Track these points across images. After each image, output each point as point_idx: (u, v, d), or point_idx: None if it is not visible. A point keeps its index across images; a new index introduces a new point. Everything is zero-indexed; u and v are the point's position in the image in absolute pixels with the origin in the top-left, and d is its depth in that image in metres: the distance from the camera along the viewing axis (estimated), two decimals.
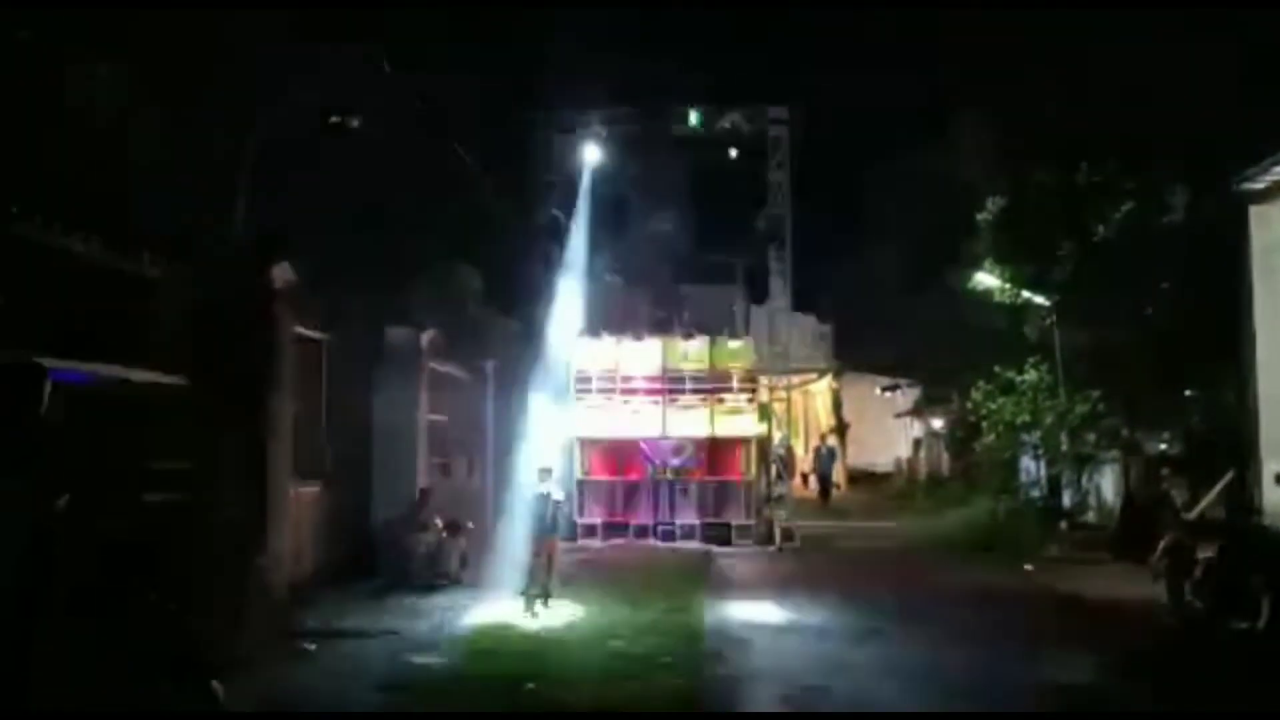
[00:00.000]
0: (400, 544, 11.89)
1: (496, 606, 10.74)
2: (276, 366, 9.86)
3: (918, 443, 29.35)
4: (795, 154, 17.53)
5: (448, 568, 12.06)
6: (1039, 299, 17.30)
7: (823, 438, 26.43)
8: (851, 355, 30.57)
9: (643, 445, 16.84)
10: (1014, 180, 17.49)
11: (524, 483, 16.28)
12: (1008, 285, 17.76)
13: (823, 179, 21.81)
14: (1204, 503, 12.69)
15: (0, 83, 7.38)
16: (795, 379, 21.47)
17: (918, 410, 28.36)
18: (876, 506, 24.64)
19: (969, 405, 18.63)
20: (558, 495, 11.48)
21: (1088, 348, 16.77)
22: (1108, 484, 17.25)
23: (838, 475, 30.24)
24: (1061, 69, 16.97)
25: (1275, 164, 11.68)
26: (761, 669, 8.12)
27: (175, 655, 6.68)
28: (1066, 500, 17.18)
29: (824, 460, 25.01)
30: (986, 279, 18.26)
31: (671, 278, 20.72)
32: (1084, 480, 17.13)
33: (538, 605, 10.44)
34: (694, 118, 17.41)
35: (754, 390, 16.95)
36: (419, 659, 8.34)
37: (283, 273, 9.74)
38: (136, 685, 6.36)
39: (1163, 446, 16.29)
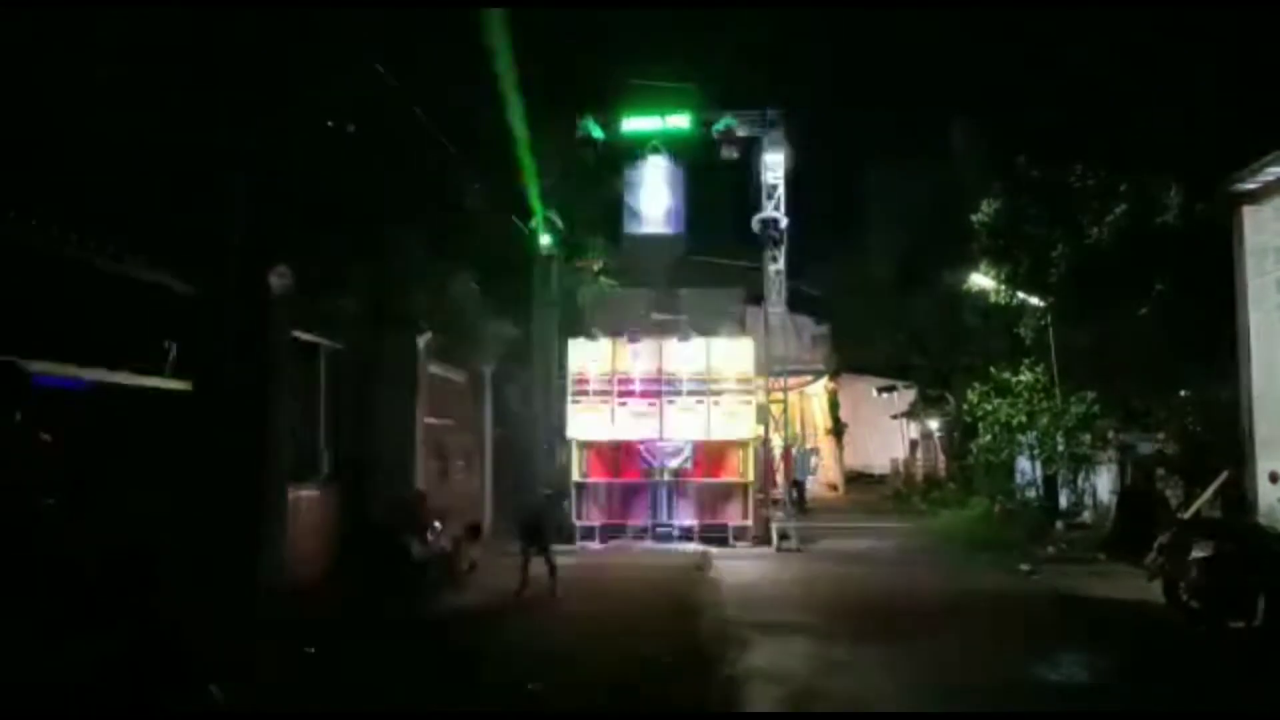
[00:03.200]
0: (399, 546, 11.89)
1: (497, 608, 10.77)
2: (275, 371, 9.88)
3: (914, 444, 29.43)
4: (791, 155, 17.57)
5: (447, 569, 12.07)
6: (1034, 300, 17.37)
7: (795, 438, 24.38)
8: (848, 356, 30.63)
9: (640, 447, 16.86)
10: (1008, 182, 17.56)
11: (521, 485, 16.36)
12: (1003, 286, 17.84)
13: (819, 180, 21.86)
14: (1199, 502, 12.75)
15: None
16: (792, 380, 21.46)
17: (914, 411, 28.42)
18: (873, 507, 24.69)
19: (965, 406, 18.69)
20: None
21: (1083, 348, 16.83)
22: (1103, 484, 17.31)
23: (834, 476, 30.31)
24: (1056, 71, 17.04)
25: (1267, 165, 11.75)
26: (761, 669, 8.15)
27: (174, 659, 6.69)
28: (1062, 500, 17.23)
29: (798, 463, 22.29)
30: (982, 280, 18.34)
31: (668, 280, 20.73)
32: (1080, 480, 17.18)
33: (539, 605, 10.48)
34: (689, 119, 17.46)
35: (751, 392, 16.98)
36: (418, 662, 8.36)
37: (280, 277, 9.77)
38: (135, 689, 6.37)
39: (1158, 446, 16.35)
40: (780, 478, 18.20)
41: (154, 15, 8.77)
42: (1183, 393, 16.02)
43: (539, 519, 11.69)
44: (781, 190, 17.37)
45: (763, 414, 17.37)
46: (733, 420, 16.78)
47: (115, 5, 8.55)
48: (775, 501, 17.42)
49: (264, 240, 9.79)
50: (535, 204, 17.70)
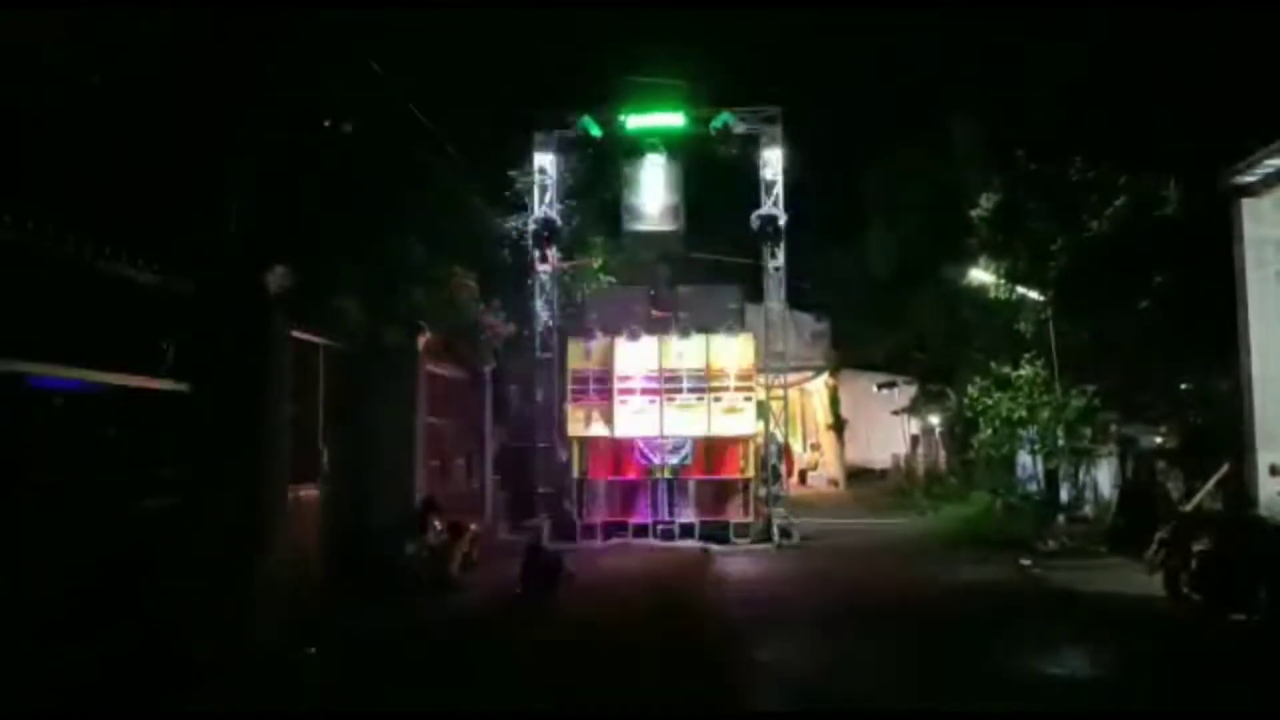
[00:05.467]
0: (401, 547, 11.90)
1: (495, 607, 10.78)
2: (273, 370, 9.86)
3: (915, 439, 29.38)
4: (790, 152, 17.55)
5: (449, 570, 12.07)
6: (1034, 294, 17.35)
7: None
8: (848, 352, 30.60)
9: (640, 445, 16.85)
10: (1008, 176, 17.54)
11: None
12: (1003, 281, 17.82)
13: (818, 176, 21.80)
14: (1200, 495, 12.76)
15: None
16: (792, 377, 21.43)
17: (914, 407, 28.40)
18: (875, 503, 24.66)
19: (966, 401, 18.67)
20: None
21: (1083, 342, 16.82)
22: (1104, 478, 17.29)
23: (835, 472, 30.29)
24: (1054, 64, 17.01)
25: (1266, 157, 11.74)
26: (761, 666, 8.15)
27: (173, 659, 6.69)
28: (1064, 494, 17.21)
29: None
30: (982, 275, 18.32)
31: (667, 277, 20.72)
32: (1081, 474, 17.17)
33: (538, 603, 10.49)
34: (688, 117, 17.43)
35: (751, 388, 16.96)
36: (420, 661, 8.36)
37: (278, 276, 9.75)
38: (135, 689, 6.37)
39: (1159, 440, 16.33)
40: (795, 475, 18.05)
41: (152, 13, 8.76)
42: (1183, 386, 16.01)
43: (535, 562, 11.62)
44: (780, 187, 17.35)
45: (762, 411, 17.34)
46: (733, 417, 16.76)
47: (114, 3, 8.54)
48: (777, 498, 17.41)
49: (262, 239, 9.78)
50: (534, 201, 17.73)
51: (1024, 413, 16.77)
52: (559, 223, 17.88)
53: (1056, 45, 17.12)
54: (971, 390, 17.84)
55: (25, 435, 6.65)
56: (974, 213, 18.14)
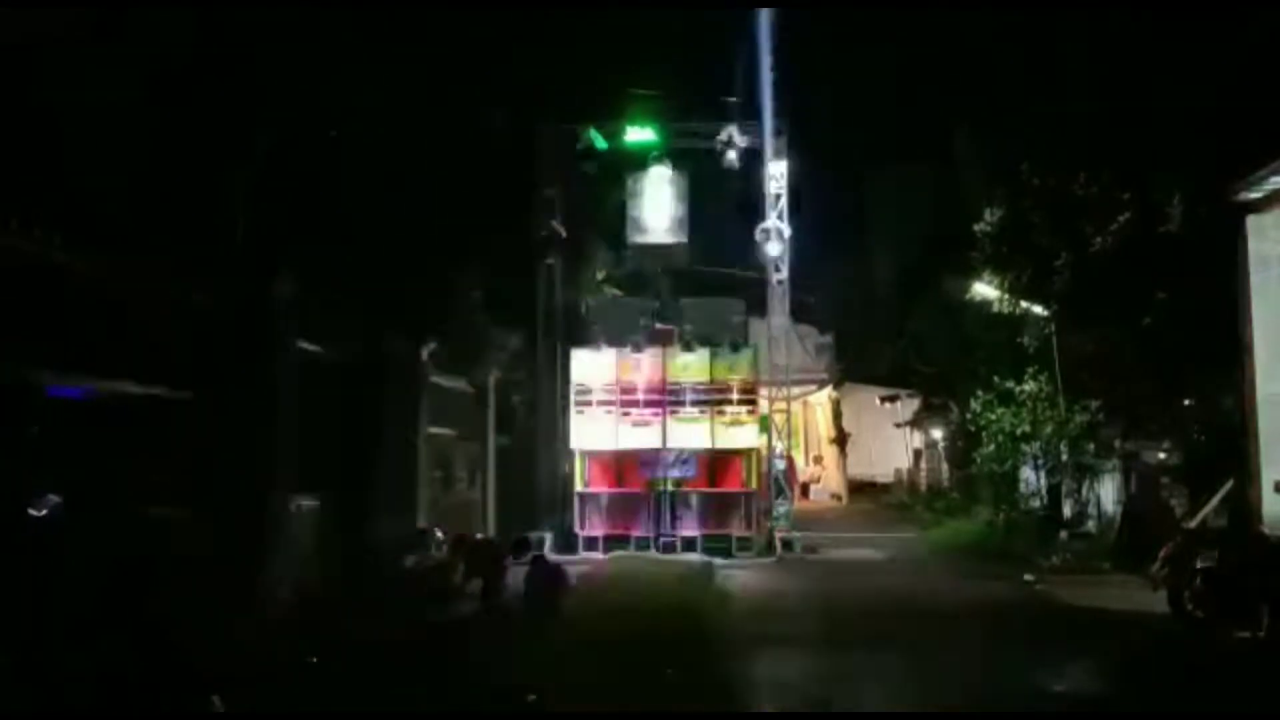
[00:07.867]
0: (403, 558, 11.89)
1: (500, 618, 10.76)
2: (278, 380, 9.89)
3: (918, 453, 29.34)
4: (793, 166, 17.60)
5: (451, 581, 12.04)
6: (1037, 309, 17.35)
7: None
8: (851, 366, 30.61)
9: (643, 457, 16.83)
10: (1011, 191, 17.56)
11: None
12: (1006, 295, 17.82)
13: (823, 190, 21.90)
14: (1204, 511, 12.69)
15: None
16: (795, 390, 21.43)
17: (917, 421, 28.37)
18: (877, 516, 24.61)
19: (968, 415, 18.64)
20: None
21: (1086, 357, 16.80)
22: (1108, 494, 17.23)
23: (837, 486, 30.23)
24: (1058, 79, 17.07)
25: (1271, 174, 11.75)
26: (763, 679, 8.13)
27: (175, 668, 6.68)
28: (1067, 510, 17.15)
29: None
30: (985, 289, 18.33)
31: (672, 289, 20.76)
32: (1084, 490, 17.11)
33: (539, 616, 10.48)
34: (691, 129, 17.50)
35: (754, 402, 16.95)
36: (422, 670, 8.34)
37: (283, 286, 9.78)
38: (136, 698, 6.36)
39: (1162, 456, 16.28)
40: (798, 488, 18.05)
41: (158, 19, 8.81)
42: (1187, 402, 15.97)
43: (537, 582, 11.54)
44: (785, 200, 17.39)
45: (765, 424, 17.32)
46: (736, 430, 16.75)
47: (119, 7, 8.59)
48: (780, 512, 17.36)
49: (268, 250, 9.82)
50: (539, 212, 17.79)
51: (1027, 427, 16.74)
52: (564, 234, 17.91)
53: (1062, 58, 17.16)
54: (974, 404, 17.82)
55: (32, 442, 6.67)
56: (978, 227, 18.16)
